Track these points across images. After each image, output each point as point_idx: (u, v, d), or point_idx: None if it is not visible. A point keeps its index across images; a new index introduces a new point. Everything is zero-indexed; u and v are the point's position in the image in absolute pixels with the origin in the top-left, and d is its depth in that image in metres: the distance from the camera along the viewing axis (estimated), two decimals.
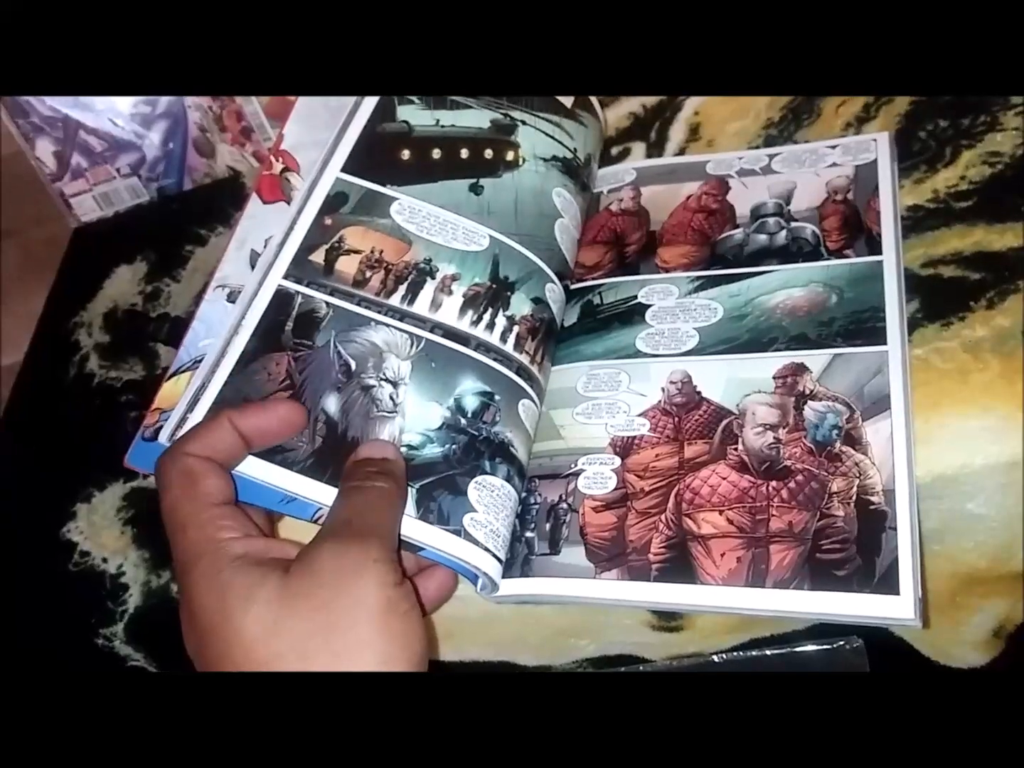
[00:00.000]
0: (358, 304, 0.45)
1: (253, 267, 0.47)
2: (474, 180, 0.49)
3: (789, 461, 0.42)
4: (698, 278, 0.50)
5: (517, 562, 0.43)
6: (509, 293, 0.47)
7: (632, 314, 0.50)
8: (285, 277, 0.45)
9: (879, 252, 0.47)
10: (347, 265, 0.46)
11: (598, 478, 0.44)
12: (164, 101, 0.66)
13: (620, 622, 0.48)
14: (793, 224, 0.50)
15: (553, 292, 0.49)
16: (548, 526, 0.44)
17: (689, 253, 0.52)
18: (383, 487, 0.38)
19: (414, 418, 0.43)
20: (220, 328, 0.45)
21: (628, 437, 0.45)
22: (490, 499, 0.42)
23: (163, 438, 0.42)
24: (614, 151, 0.60)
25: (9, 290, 0.72)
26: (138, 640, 0.54)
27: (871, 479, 0.40)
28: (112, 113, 0.66)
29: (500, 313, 0.47)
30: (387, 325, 0.45)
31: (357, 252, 0.46)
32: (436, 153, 0.50)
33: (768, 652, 0.46)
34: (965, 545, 0.43)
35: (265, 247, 0.47)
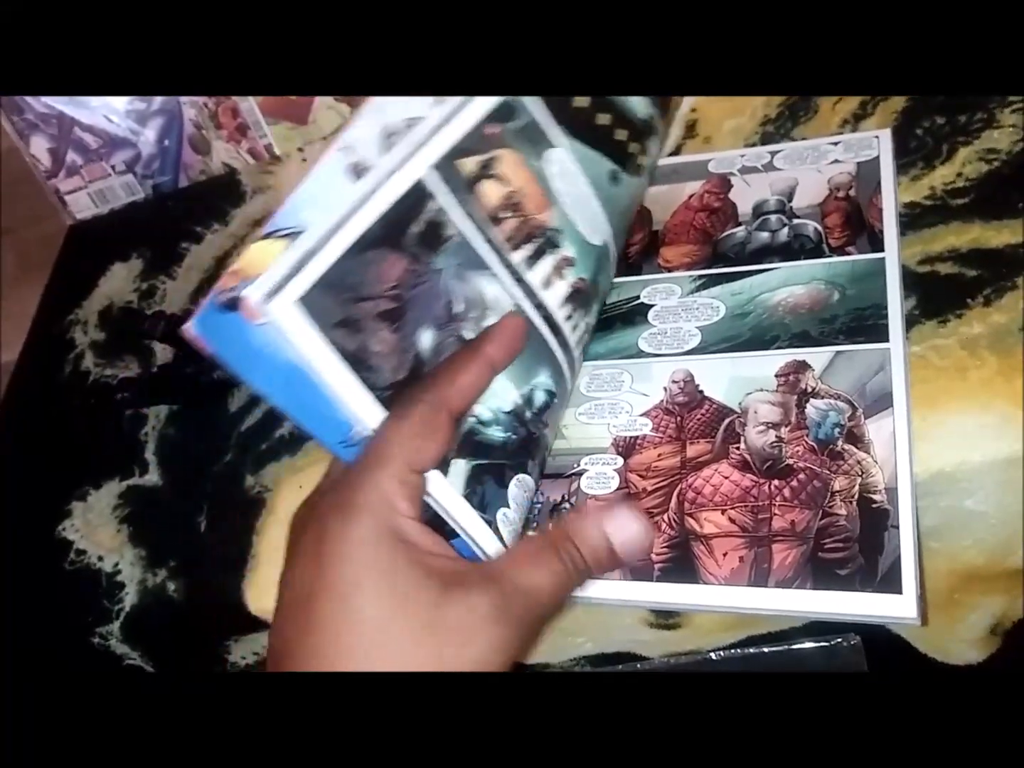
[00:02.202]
0: (486, 243, 0.40)
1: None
2: (617, 167, 0.45)
3: (791, 460, 0.42)
4: (700, 277, 0.50)
5: None
6: (596, 302, 0.45)
7: (634, 314, 0.50)
8: (432, 167, 0.38)
9: (881, 249, 0.47)
10: (490, 192, 0.40)
11: (600, 478, 0.44)
12: (159, 98, 0.66)
13: (618, 620, 0.48)
14: (795, 221, 0.50)
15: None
16: (551, 525, 0.44)
17: (691, 252, 0.52)
18: (581, 581, 0.36)
19: (490, 393, 0.39)
20: (328, 200, 0.37)
21: (630, 437, 0.45)
22: (522, 499, 0.41)
23: (254, 301, 0.33)
24: None
25: (4, 288, 0.72)
26: (134, 639, 0.54)
27: (873, 477, 0.40)
28: (107, 110, 0.66)
29: (585, 318, 0.45)
30: (501, 281, 0.41)
31: (504, 183, 0.41)
32: (604, 118, 0.45)
33: (766, 649, 0.46)
34: (963, 542, 0.44)
35: (406, 125, 0.39)
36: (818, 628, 0.46)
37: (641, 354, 0.48)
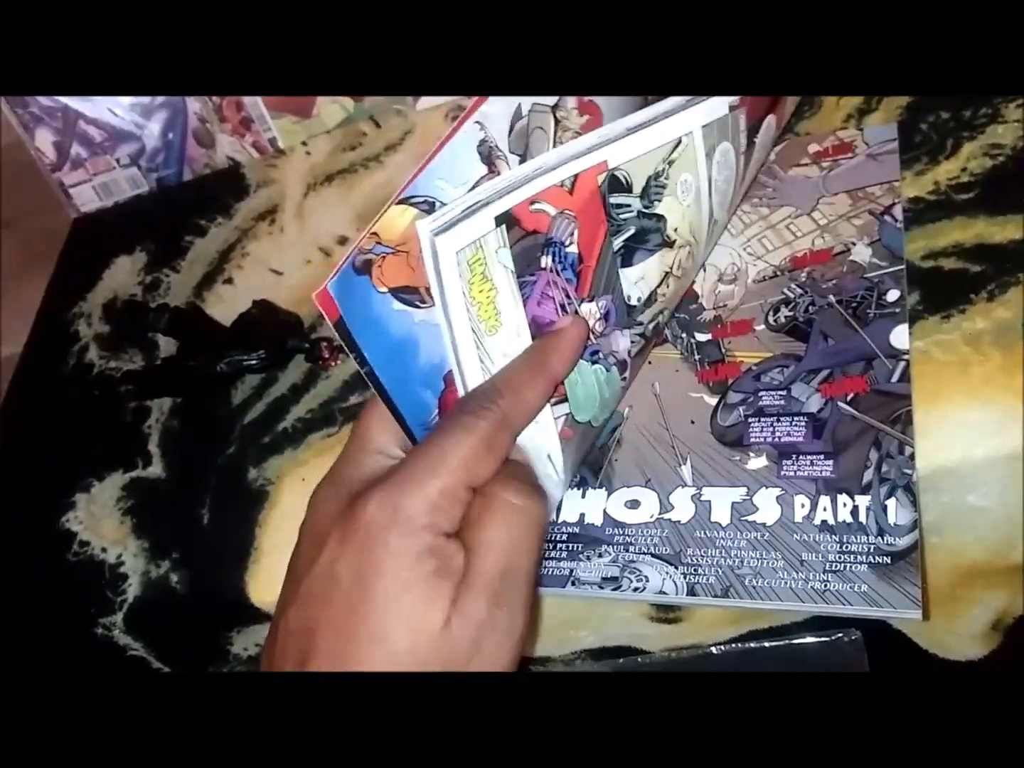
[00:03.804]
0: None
1: (511, 125, 0.39)
2: None
3: None
4: None
5: None
6: None
7: None
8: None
9: None
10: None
11: None
12: None
13: (619, 614, 0.48)
14: None
15: None
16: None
17: None
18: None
19: None
20: (459, 172, 0.37)
21: None
22: None
23: (427, 227, 0.33)
24: None
25: (8, 281, 0.72)
26: (137, 630, 0.54)
27: None
28: (112, 103, 0.66)
29: None
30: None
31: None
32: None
33: (766, 644, 0.46)
34: (965, 538, 0.43)
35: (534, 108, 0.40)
36: (819, 623, 0.46)
37: None
